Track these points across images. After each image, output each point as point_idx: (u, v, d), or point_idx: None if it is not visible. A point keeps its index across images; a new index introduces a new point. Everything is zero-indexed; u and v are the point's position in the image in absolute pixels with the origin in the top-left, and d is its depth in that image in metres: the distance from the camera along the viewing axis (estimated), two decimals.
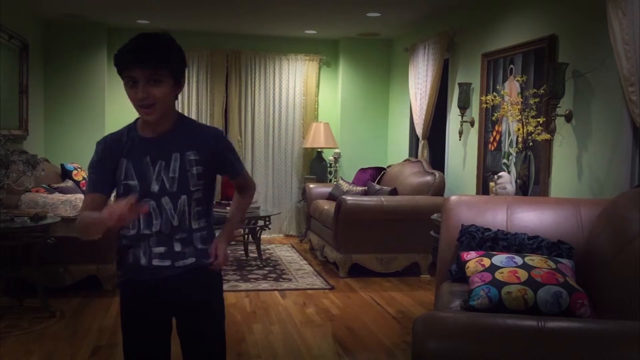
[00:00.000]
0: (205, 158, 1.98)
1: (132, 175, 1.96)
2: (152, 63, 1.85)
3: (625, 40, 3.53)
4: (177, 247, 1.99)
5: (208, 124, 2.14)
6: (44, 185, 5.26)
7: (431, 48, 6.31)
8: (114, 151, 1.98)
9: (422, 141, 6.52)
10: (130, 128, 2.02)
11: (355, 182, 6.93)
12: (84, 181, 6.15)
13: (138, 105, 1.90)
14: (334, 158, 7.70)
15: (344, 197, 5.73)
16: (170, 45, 1.92)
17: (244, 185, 2.23)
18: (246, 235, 6.51)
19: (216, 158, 2.02)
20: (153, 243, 1.98)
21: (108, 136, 2.05)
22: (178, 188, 1.95)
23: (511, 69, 5.02)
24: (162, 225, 1.96)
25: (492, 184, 4.62)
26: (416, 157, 6.78)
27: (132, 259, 2.01)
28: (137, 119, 2.04)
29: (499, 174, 4.54)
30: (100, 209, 1.90)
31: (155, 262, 1.98)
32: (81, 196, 5.02)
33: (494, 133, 5.27)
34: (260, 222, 6.21)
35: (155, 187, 1.95)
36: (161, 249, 1.98)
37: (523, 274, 2.62)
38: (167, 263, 1.99)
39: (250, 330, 4.15)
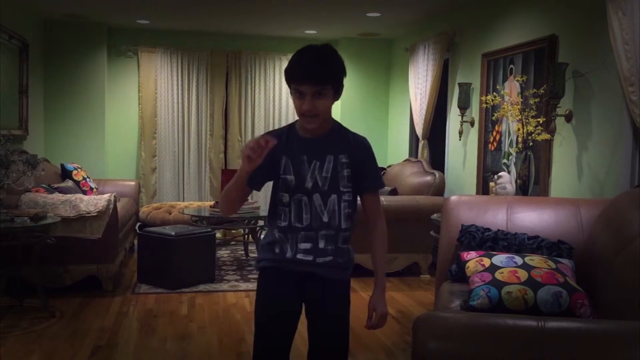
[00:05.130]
0: (353, 163, 2.09)
1: (290, 170, 2.08)
2: (318, 80, 1.99)
3: (625, 40, 3.53)
4: (322, 244, 2.09)
5: (357, 133, 2.19)
6: (44, 185, 5.26)
7: (431, 48, 6.31)
8: (274, 147, 2.02)
9: (422, 141, 6.52)
10: (291, 127, 2.15)
11: None
12: (84, 181, 6.15)
13: (302, 114, 2.05)
14: None
15: None
16: (335, 61, 2.05)
17: (373, 211, 2.19)
18: (246, 235, 6.51)
19: (359, 166, 2.11)
20: (301, 238, 2.09)
21: (271, 132, 2.14)
22: (329, 187, 2.08)
23: (511, 69, 5.02)
24: (312, 220, 2.08)
25: (492, 184, 4.62)
26: (416, 157, 6.78)
27: (278, 251, 2.13)
28: (297, 120, 2.14)
29: (499, 174, 4.54)
30: (243, 197, 2.12)
31: (300, 256, 2.09)
32: (81, 196, 5.02)
33: (494, 133, 5.27)
34: (261, 222, 6.21)
35: (309, 184, 2.07)
36: (307, 245, 2.09)
37: (523, 274, 2.62)
38: (310, 258, 2.09)
39: (250, 331, 4.15)
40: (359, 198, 2.15)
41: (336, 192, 2.07)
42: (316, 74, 1.99)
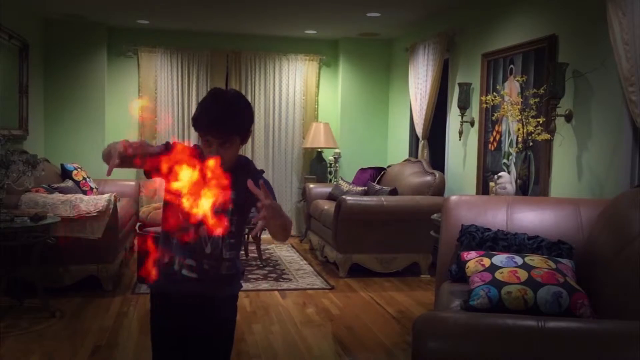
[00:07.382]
0: (239, 197, 2.04)
1: None
2: (224, 133, 1.95)
3: (625, 40, 3.53)
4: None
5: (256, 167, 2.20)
6: (44, 185, 5.26)
7: (431, 48, 6.31)
8: None
9: (422, 141, 6.52)
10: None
11: (355, 182, 6.92)
12: (84, 181, 6.15)
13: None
14: (334, 158, 7.70)
15: (344, 197, 5.72)
16: (243, 110, 2.01)
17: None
18: (246, 235, 6.50)
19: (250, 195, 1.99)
20: None
21: None
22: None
23: (511, 69, 5.02)
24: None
25: (492, 184, 4.62)
26: (416, 157, 6.77)
27: None
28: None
29: (499, 174, 4.54)
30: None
31: None
32: (81, 196, 5.02)
33: (494, 133, 5.27)
34: (261, 222, 6.19)
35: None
36: None
37: (523, 274, 2.62)
38: None
39: (250, 330, 4.15)
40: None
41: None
42: (222, 126, 1.95)
